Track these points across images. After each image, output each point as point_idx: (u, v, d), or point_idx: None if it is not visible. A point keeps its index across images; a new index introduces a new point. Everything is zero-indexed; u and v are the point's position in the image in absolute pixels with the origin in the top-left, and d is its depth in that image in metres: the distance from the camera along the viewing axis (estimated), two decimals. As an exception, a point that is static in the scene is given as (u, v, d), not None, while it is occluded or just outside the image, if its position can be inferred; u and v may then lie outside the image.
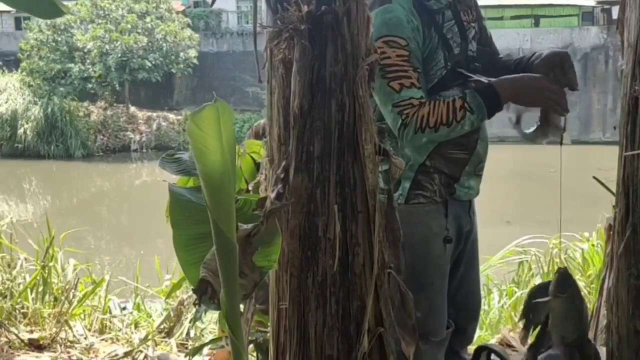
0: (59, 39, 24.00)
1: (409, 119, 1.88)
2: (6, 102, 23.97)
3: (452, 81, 2.02)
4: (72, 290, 3.87)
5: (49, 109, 23.61)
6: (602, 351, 2.19)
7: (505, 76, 1.95)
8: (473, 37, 2.12)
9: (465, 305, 2.25)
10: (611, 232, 2.11)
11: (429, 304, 2.04)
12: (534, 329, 1.96)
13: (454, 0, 2.07)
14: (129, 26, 23.70)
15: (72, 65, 23.83)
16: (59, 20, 23.89)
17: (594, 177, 3.02)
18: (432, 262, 2.07)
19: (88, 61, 23.87)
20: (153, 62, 24.12)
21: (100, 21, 24.15)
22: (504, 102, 1.91)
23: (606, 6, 26.45)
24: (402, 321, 1.61)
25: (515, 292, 4.11)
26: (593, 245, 4.21)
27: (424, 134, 1.88)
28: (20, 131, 23.59)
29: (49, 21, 23.84)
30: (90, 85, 24.29)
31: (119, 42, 23.58)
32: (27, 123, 23.67)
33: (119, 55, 23.79)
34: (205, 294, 1.47)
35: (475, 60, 2.10)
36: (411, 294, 1.77)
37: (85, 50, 23.82)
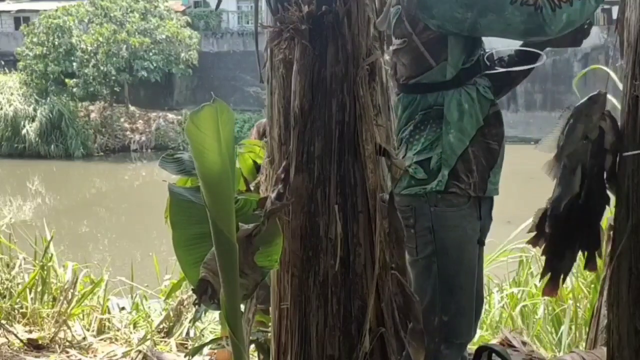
0: (57, 40, 23.93)
1: (539, 1, 1.85)
2: (8, 103, 23.94)
3: (484, 69, 2.04)
4: (71, 290, 3.87)
5: (49, 109, 23.59)
6: (603, 351, 2.19)
7: None
8: None
9: None
10: (611, 232, 2.11)
11: (457, 307, 2.03)
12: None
13: None
14: (134, 27, 23.63)
15: (76, 65, 23.76)
16: (56, 21, 23.87)
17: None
18: (465, 266, 2.05)
19: (92, 63, 23.77)
20: (155, 64, 24.09)
21: (99, 21, 24.09)
22: None
23: (606, 6, 26.44)
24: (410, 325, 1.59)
25: (515, 292, 4.11)
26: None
27: (561, 9, 1.86)
28: (22, 131, 23.58)
29: (46, 22, 23.84)
30: (94, 87, 24.23)
31: (124, 44, 23.53)
32: (28, 123, 23.65)
33: (126, 56, 23.75)
34: (205, 293, 1.47)
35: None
36: (441, 296, 1.76)
37: (89, 51, 23.73)
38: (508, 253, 4.50)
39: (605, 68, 4.04)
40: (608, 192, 2.01)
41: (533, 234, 2.12)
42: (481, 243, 2.16)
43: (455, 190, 1.99)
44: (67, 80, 24.04)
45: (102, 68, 23.77)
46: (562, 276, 2.13)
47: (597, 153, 1.93)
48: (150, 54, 24.11)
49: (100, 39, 23.39)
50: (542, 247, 2.11)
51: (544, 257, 2.14)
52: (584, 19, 1.95)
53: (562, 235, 2.04)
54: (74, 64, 23.80)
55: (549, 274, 2.13)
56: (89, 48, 23.58)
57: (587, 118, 1.90)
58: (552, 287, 2.14)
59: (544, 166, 2.00)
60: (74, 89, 23.92)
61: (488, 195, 2.09)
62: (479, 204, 2.05)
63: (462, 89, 2.00)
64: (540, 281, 2.42)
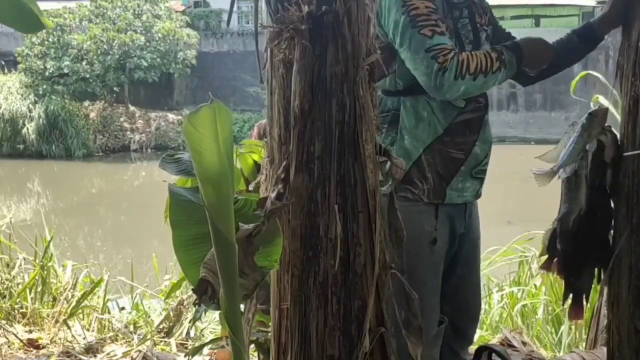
0: (56, 39, 23.95)
1: (447, 63, 1.85)
2: (6, 102, 23.94)
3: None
4: (71, 290, 3.87)
5: (49, 109, 23.59)
6: (603, 351, 2.19)
7: (527, 38, 2.02)
8: (485, 39, 2.15)
9: (465, 308, 2.24)
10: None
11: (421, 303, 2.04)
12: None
13: (470, 2, 2.10)
14: (125, 24, 23.61)
15: (69, 64, 23.78)
16: (57, 19, 23.87)
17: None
18: (425, 260, 2.06)
19: (86, 61, 23.80)
20: (150, 62, 24.06)
21: (98, 20, 24.10)
22: (523, 66, 1.98)
23: (606, 6, 26.38)
24: (408, 322, 1.61)
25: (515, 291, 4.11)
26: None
27: (463, 80, 1.86)
28: (22, 131, 23.58)
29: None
30: (89, 86, 24.23)
31: (116, 41, 23.51)
32: (28, 123, 23.65)
33: (117, 55, 23.74)
34: (205, 293, 1.47)
35: None
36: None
37: (84, 50, 23.76)
38: (508, 253, 4.51)
39: (595, 73, 4.13)
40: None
41: (545, 257, 2.07)
42: (474, 244, 2.17)
43: (407, 194, 2.03)
44: (59, 79, 24.04)
45: (95, 66, 23.75)
46: (584, 296, 2.07)
47: (597, 166, 1.93)
48: (145, 52, 24.08)
49: (97, 40, 23.40)
50: (555, 268, 2.06)
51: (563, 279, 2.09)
52: (485, 90, 2.00)
53: (574, 251, 2.01)
54: (67, 62, 23.80)
55: (571, 295, 2.07)
56: (84, 46, 23.59)
57: (587, 133, 1.91)
58: (577, 310, 2.09)
59: (537, 177, 1.98)
60: (63, 88, 23.89)
61: (450, 203, 2.08)
62: (436, 208, 2.06)
63: (420, 97, 2.01)
64: (563, 305, 2.35)
